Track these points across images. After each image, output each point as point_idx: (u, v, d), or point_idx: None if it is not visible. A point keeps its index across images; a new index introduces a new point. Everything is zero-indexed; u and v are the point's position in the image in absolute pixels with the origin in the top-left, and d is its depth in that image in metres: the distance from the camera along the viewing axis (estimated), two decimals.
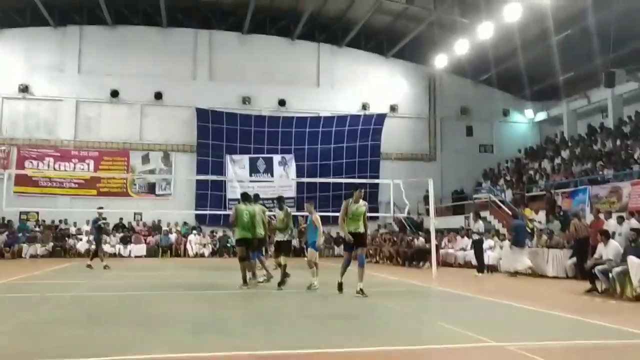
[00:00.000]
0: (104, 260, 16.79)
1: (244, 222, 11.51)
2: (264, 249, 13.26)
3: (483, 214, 20.81)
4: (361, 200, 10.05)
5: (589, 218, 16.02)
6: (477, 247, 16.59)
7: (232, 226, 11.86)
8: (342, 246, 26.34)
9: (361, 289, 9.69)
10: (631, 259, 10.15)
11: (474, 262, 17.05)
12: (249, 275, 11.52)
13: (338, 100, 29.54)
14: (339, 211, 10.15)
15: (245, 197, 12.13)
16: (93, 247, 18.03)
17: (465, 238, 19.85)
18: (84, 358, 5.08)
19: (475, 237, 16.72)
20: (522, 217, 19.97)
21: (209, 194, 26.54)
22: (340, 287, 10.08)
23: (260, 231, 11.82)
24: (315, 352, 5.51)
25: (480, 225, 16.64)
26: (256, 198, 12.35)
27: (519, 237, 15.94)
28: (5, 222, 25.11)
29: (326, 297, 9.89)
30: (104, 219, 17.58)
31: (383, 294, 10.35)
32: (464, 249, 19.76)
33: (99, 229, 17.06)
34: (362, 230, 10.03)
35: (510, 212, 21.38)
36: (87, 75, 27.43)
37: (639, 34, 22.50)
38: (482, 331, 6.44)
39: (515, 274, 15.72)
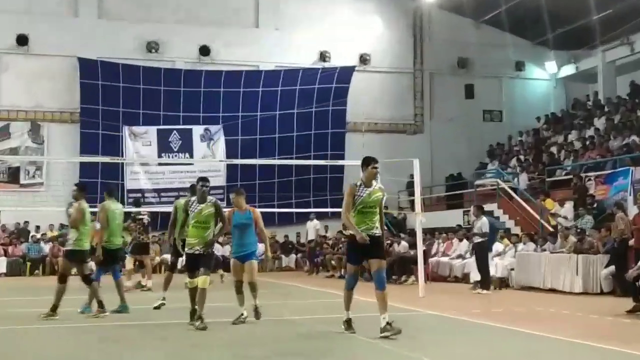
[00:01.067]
0: None
1: (115, 225, 12.07)
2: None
3: (488, 207, 21.14)
4: (374, 182, 9.14)
5: (633, 211, 16.44)
6: (480, 253, 16.86)
7: (77, 226, 11.35)
8: (292, 255, 26.60)
9: (388, 323, 8.80)
10: None
11: (474, 275, 17.32)
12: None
13: (286, 47, 29.37)
14: (286, 207, 10.06)
15: (112, 192, 12.73)
16: None
17: (465, 241, 20.15)
18: None
19: (478, 239, 17.00)
20: (543, 210, 20.38)
21: (99, 183, 26.07)
22: (349, 324, 9.22)
23: (124, 239, 12.74)
24: None
25: (484, 223, 16.90)
26: (193, 189, 11.82)
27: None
28: None
29: (271, 327, 9.89)
30: None
31: (354, 321, 10.41)
32: (462, 256, 20.07)
33: None
34: (377, 231, 9.14)
35: (526, 205, 21.83)
36: None
37: None
38: None
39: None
